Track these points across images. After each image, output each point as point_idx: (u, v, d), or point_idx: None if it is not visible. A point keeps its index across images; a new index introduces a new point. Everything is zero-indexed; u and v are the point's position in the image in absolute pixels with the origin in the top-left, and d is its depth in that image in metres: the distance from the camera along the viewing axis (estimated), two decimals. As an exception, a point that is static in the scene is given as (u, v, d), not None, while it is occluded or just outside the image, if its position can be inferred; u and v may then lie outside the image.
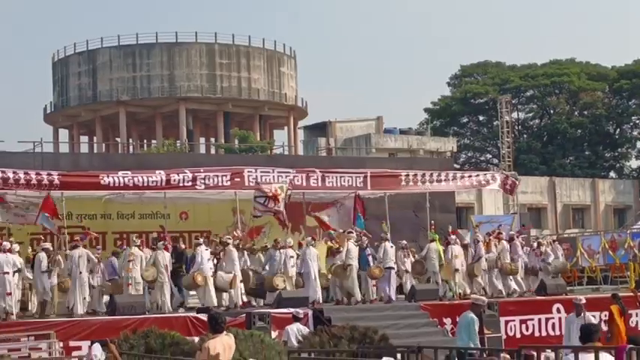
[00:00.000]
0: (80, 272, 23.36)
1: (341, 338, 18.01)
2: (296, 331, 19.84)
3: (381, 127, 68.17)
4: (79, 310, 23.13)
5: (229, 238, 25.23)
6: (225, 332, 11.11)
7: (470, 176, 30.49)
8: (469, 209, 51.15)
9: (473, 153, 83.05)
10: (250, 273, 25.38)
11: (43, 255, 23.47)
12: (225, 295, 24.48)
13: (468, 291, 26.96)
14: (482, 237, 28.45)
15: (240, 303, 24.62)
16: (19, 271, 23.12)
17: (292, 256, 25.75)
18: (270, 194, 25.77)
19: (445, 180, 29.42)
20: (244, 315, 21.97)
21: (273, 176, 26.95)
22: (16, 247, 23.58)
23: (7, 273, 22.59)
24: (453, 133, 77.90)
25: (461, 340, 17.33)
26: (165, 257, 24.37)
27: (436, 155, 60.84)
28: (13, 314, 22.38)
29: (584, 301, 19.71)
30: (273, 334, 19.91)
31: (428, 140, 65.67)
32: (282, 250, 25.85)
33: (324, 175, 27.94)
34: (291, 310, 22.08)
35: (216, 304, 23.74)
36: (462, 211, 47.90)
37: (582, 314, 18.91)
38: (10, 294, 22.49)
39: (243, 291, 25.19)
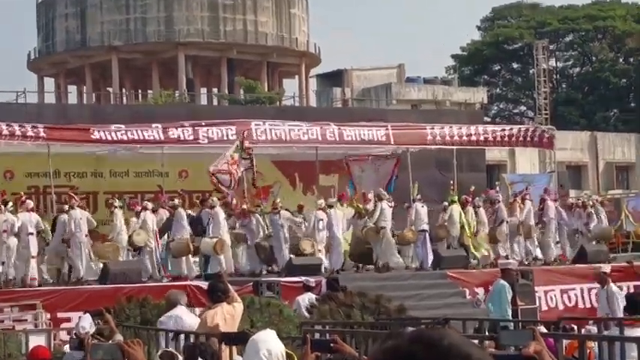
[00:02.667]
0: (86, 235, 23.58)
1: (352, 307, 18.06)
2: (307, 302, 19.87)
3: (402, 75, 67.89)
4: (85, 277, 23.27)
5: (215, 199, 25.19)
6: (227, 302, 11.15)
7: (503, 130, 30.43)
8: (501, 167, 50.99)
9: (506, 105, 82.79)
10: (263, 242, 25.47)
11: (65, 217, 23.56)
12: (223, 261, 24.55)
13: (492, 257, 27.02)
14: (502, 197, 28.44)
15: (232, 270, 24.59)
16: (41, 232, 23.26)
17: (322, 219, 25.77)
18: (230, 167, 25.46)
19: (475, 134, 29.35)
20: (251, 283, 22.01)
21: (284, 130, 26.89)
22: (30, 203, 23.64)
23: (32, 234, 22.79)
24: (484, 83, 77.58)
25: (491, 311, 17.33)
26: (154, 220, 24.48)
27: (464, 107, 60.61)
28: (35, 279, 22.57)
29: (606, 269, 19.40)
30: (283, 305, 19.96)
31: (455, 90, 65.39)
32: (312, 213, 25.94)
33: (340, 128, 27.87)
34: (302, 278, 22.12)
35: (186, 272, 24.06)
36: (492, 170, 47.75)
37: (606, 285, 18.37)
38: (35, 257, 22.73)
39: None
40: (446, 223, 27.16)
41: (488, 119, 71.64)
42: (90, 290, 22.07)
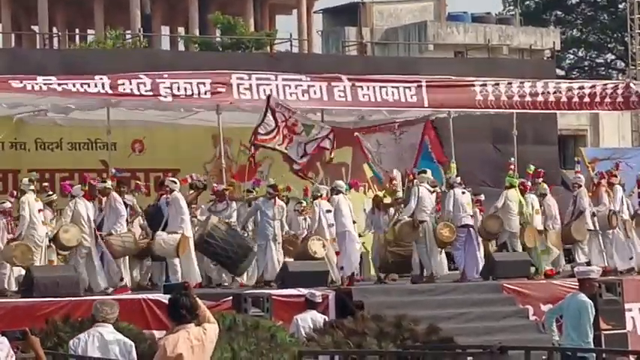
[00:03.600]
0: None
1: (365, 335, 18.11)
2: (310, 323, 19.96)
3: (442, 11, 67.81)
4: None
5: (174, 181, 25.21)
6: (195, 322, 11.20)
7: (582, 88, 30.42)
8: (579, 139, 51.02)
9: (586, 52, 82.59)
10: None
11: None
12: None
13: (562, 265, 27.18)
14: (584, 180, 28.42)
15: (198, 280, 24.58)
16: None
17: (329, 210, 25.90)
18: (285, 127, 25.76)
19: (544, 94, 29.35)
20: (231, 297, 22.09)
21: (276, 85, 26.92)
22: None
23: None
24: (556, 22, 77.41)
25: (567, 337, 17.37)
26: (89, 209, 24.50)
27: (529, 55, 60.56)
28: None
29: None
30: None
31: (516, 32, 65.27)
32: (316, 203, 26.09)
33: (354, 85, 27.90)
34: (303, 291, 22.18)
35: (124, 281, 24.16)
36: (567, 142, 47.81)
37: None
38: None
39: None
40: (499, 213, 27.17)
41: (562, 72, 71.58)
42: (8, 305, 22.15)
